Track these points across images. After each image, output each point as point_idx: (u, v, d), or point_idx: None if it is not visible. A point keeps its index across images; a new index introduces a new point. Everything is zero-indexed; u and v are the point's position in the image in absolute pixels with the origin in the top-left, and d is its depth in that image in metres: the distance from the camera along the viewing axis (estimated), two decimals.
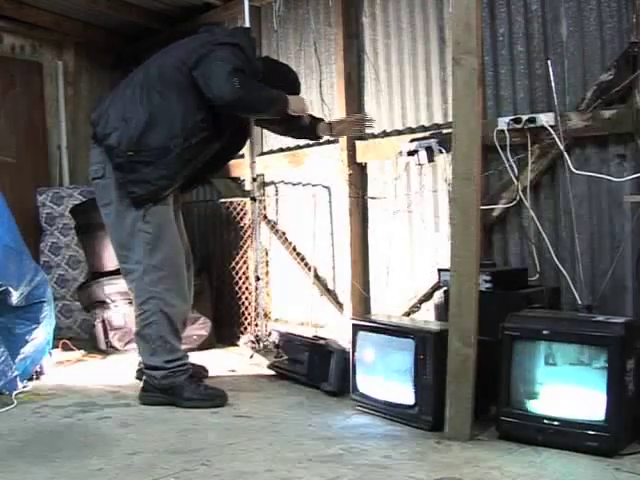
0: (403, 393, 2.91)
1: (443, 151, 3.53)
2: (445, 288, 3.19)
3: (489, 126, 3.34)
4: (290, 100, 3.35)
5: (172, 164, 3.22)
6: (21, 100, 5.40)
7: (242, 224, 4.75)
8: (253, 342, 4.27)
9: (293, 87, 3.56)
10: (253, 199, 4.25)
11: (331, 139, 4.22)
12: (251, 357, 4.10)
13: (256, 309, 4.45)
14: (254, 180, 4.21)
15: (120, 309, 4.51)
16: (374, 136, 4.07)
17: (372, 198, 4.07)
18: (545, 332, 2.60)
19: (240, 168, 4.78)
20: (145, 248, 3.25)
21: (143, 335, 3.29)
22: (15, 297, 3.40)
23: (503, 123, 3.31)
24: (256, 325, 4.54)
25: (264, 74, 3.37)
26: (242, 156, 4.62)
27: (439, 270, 3.32)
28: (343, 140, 4.10)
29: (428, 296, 3.76)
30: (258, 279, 4.35)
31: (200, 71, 3.16)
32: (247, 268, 4.70)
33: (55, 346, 3.98)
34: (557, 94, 3.19)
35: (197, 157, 3.32)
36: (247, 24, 4.18)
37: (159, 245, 3.27)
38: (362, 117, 3.78)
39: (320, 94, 4.30)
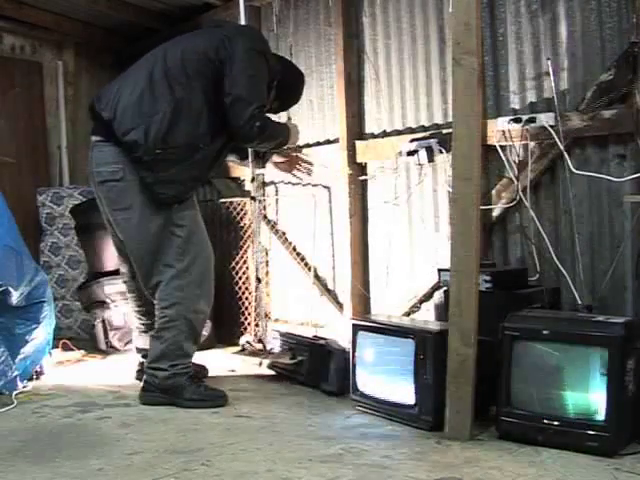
0: (403, 393, 2.91)
1: (443, 151, 3.53)
2: (445, 288, 3.19)
3: (489, 126, 3.35)
4: (291, 134, 3.40)
5: (200, 164, 3.19)
6: (21, 100, 5.40)
7: (242, 224, 4.75)
8: (251, 345, 4.23)
9: (302, 88, 3.60)
10: (253, 198, 4.26)
11: (331, 139, 4.24)
12: (260, 364, 4.04)
13: (256, 309, 4.45)
14: (252, 180, 4.22)
15: (120, 309, 4.50)
16: (374, 136, 4.07)
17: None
18: (545, 332, 2.60)
19: (240, 168, 4.78)
20: (176, 252, 3.22)
21: (160, 337, 3.26)
22: (15, 297, 3.40)
23: (503, 123, 3.32)
24: (256, 325, 4.54)
25: (281, 76, 3.38)
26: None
27: (439, 270, 3.33)
28: (343, 140, 4.10)
29: (428, 296, 3.76)
30: (259, 281, 4.34)
31: (232, 76, 3.10)
32: (247, 268, 4.70)
33: (55, 346, 3.98)
34: (557, 94, 3.19)
35: (220, 158, 3.33)
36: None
37: (190, 249, 3.24)
38: (301, 158, 3.75)
39: (321, 94, 4.31)
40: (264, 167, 3.95)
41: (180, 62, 3.17)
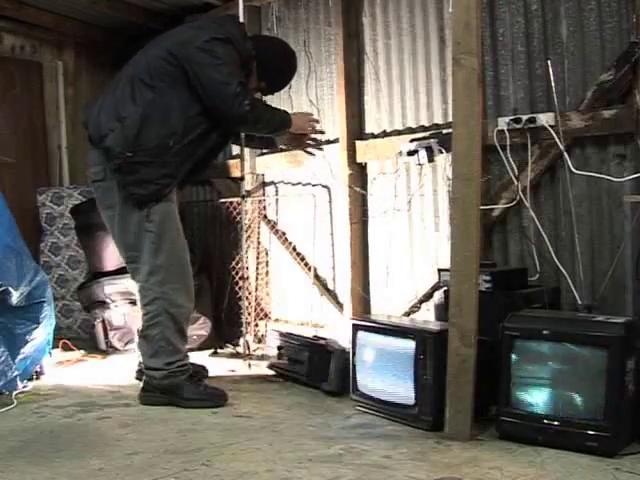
0: (403, 393, 2.91)
1: (443, 151, 3.53)
2: (445, 288, 3.19)
3: (489, 126, 3.35)
4: (293, 120, 3.37)
5: (172, 162, 3.20)
6: (21, 100, 5.40)
7: (242, 224, 4.74)
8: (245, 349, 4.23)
9: (289, 61, 3.53)
10: (244, 196, 4.30)
11: (331, 139, 4.23)
12: (249, 366, 4.08)
13: (256, 309, 4.44)
14: (241, 178, 4.24)
15: (120, 309, 4.50)
16: (374, 136, 4.07)
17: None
18: (545, 332, 2.60)
19: (240, 168, 4.77)
20: (150, 247, 3.23)
21: (147, 336, 3.27)
22: (15, 297, 3.40)
23: (503, 123, 3.32)
24: (256, 326, 4.54)
25: (257, 55, 3.35)
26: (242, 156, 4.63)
27: (439, 270, 3.33)
28: (343, 140, 4.10)
29: (428, 296, 3.76)
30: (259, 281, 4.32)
31: (200, 77, 3.12)
32: (247, 268, 4.70)
33: (55, 346, 3.98)
34: (557, 94, 3.19)
35: (197, 151, 3.29)
36: None
37: (163, 243, 3.24)
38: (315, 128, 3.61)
39: (321, 94, 4.31)
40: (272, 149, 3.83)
41: (148, 62, 3.23)
